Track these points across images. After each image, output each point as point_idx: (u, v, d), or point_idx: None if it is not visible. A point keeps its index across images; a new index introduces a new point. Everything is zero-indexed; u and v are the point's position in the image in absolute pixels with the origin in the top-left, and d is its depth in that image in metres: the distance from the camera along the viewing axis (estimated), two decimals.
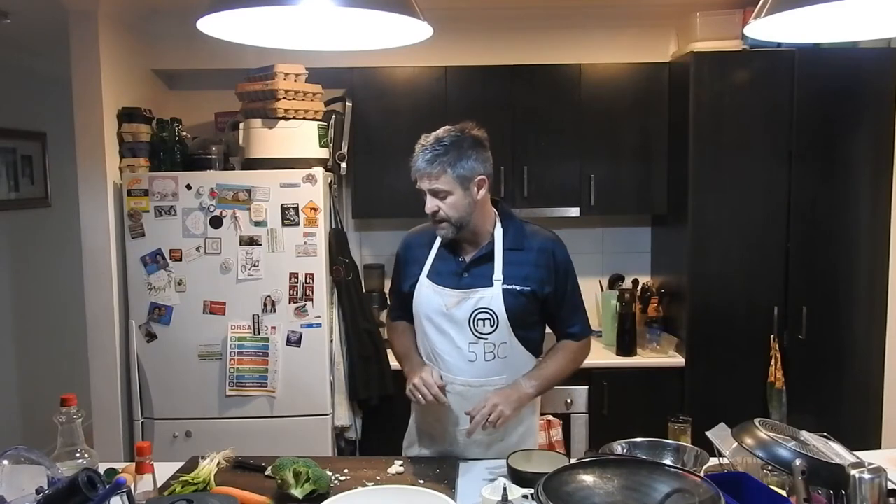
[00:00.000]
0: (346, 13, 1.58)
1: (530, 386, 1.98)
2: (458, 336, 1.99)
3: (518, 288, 1.97)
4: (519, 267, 1.99)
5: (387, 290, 3.60)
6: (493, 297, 1.96)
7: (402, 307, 2.19)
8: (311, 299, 3.07)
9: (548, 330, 2.14)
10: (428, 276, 2.04)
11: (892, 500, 1.47)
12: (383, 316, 3.54)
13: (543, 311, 2.06)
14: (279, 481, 1.75)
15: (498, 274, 1.98)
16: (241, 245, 3.07)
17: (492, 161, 1.99)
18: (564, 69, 3.43)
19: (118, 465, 1.86)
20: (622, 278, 3.72)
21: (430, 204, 1.94)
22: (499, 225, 2.03)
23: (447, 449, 2.07)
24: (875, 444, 3.25)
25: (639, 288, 3.59)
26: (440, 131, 1.95)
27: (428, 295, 2.02)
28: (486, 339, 1.98)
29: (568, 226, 3.68)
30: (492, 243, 2.01)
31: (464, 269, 2.01)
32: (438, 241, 2.06)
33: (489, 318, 1.97)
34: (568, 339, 2.11)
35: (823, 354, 3.24)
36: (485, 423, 1.88)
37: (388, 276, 3.64)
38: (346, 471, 1.91)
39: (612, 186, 3.47)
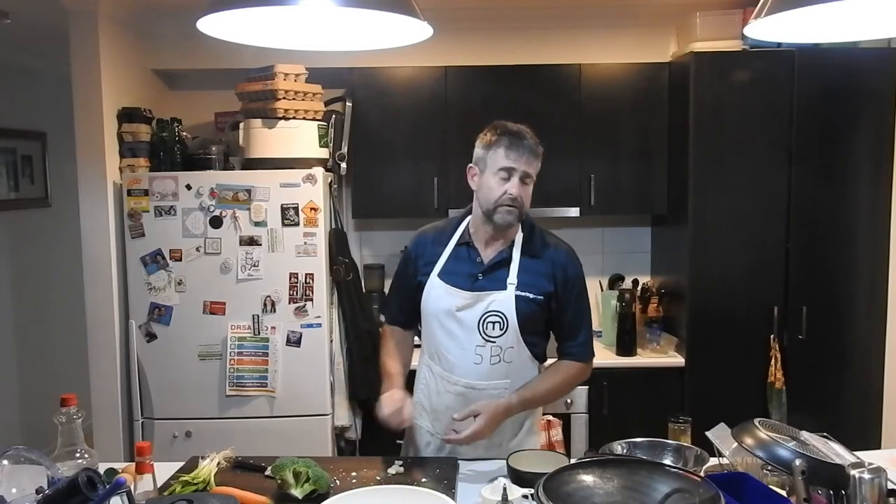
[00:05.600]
0: (346, 13, 1.58)
1: (516, 398, 1.94)
2: (466, 337, 1.99)
3: (531, 296, 1.98)
4: (534, 275, 2.00)
5: (387, 290, 3.61)
6: (504, 300, 1.97)
7: (403, 309, 2.18)
8: (311, 299, 3.07)
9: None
10: (439, 276, 2.03)
11: (892, 500, 1.47)
12: (383, 316, 3.54)
13: (550, 323, 2.07)
14: (279, 481, 1.75)
15: (512, 278, 1.98)
16: (241, 245, 3.07)
17: None
18: (564, 69, 3.43)
19: (118, 465, 1.86)
20: (622, 278, 3.72)
21: (519, 188, 1.94)
22: (520, 230, 2.04)
23: (444, 448, 2.07)
24: (875, 444, 3.24)
25: (639, 288, 3.59)
26: (523, 127, 1.98)
27: (438, 294, 2.02)
28: (494, 342, 1.98)
29: (568, 226, 3.67)
30: (511, 248, 2.02)
31: (481, 271, 2.00)
32: (454, 241, 2.06)
33: (499, 322, 1.97)
34: (566, 360, 2.06)
35: (823, 354, 3.24)
36: (459, 439, 1.86)
37: (388, 276, 3.65)
38: (345, 471, 1.91)
39: (612, 186, 3.46)
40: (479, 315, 1.97)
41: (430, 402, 2.09)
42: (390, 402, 1.97)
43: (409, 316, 2.18)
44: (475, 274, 2.01)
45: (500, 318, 1.97)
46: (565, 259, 2.05)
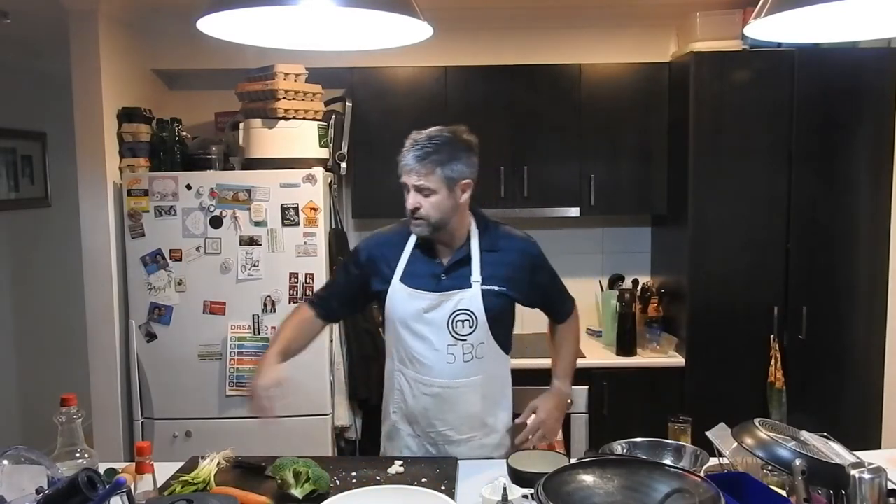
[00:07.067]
0: (346, 13, 1.58)
1: (566, 385, 2.11)
2: (437, 338, 1.98)
3: (496, 288, 1.99)
4: (496, 267, 2.00)
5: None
6: (471, 298, 1.97)
7: (330, 302, 2.13)
8: None
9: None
10: (402, 280, 2.01)
11: (892, 500, 1.47)
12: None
13: (530, 305, 2.12)
14: (279, 481, 1.75)
15: (476, 275, 1.98)
16: (241, 245, 3.07)
17: (477, 166, 1.99)
18: (564, 69, 3.43)
19: (118, 465, 1.86)
20: (622, 278, 3.72)
21: (413, 200, 1.93)
22: (474, 227, 2.04)
23: (426, 449, 2.07)
24: (875, 444, 3.24)
25: (639, 288, 3.59)
26: (432, 130, 1.95)
27: (403, 299, 2.00)
28: (465, 340, 1.98)
29: (568, 226, 3.68)
30: (468, 245, 2.01)
31: (443, 272, 2.00)
32: (411, 242, 2.03)
33: (468, 320, 1.97)
34: (562, 320, 2.18)
35: (823, 354, 3.24)
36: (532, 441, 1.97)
37: None
38: (345, 471, 1.91)
39: (612, 186, 3.46)
40: (448, 315, 1.97)
41: (407, 406, 2.07)
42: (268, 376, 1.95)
43: (333, 311, 2.16)
44: (438, 274, 2.00)
45: (469, 315, 1.97)
46: (524, 244, 2.07)
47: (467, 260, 2.00)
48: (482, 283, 1.98)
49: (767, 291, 3.22)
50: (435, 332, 1.98)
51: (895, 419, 3.27)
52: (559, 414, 2.07)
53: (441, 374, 2.00)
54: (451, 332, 1.97)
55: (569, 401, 3.24)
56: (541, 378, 3.18)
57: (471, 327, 1.97)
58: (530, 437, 2.01)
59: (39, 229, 4.62)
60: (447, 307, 1.97)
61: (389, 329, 2.08)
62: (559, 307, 2.19)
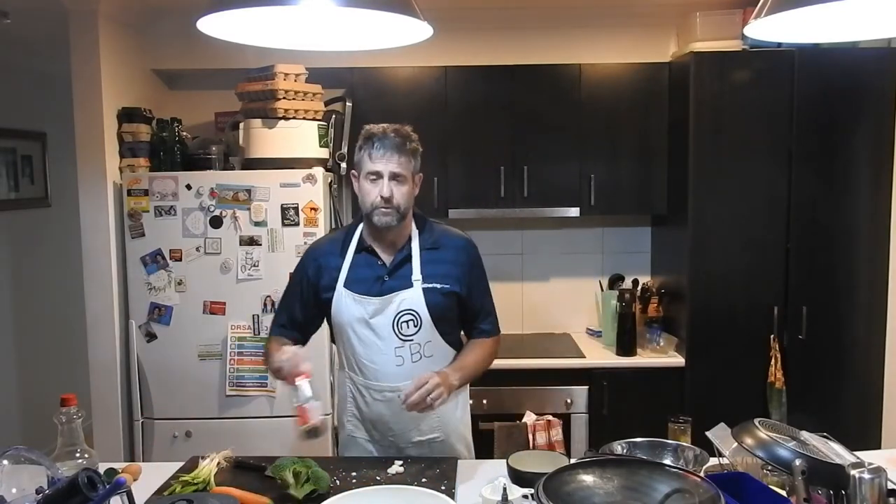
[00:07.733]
0: (346, 13, 1.58)
1: (456, 378, 1.94)
2: (383, 342, 1.98)
3: (438, 286, 1.99)
4: (437, 265, 2.01)
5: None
6: (414, 297, 1.97)
7: (292, 322, 2.10)
8: None
9: None
10: (345, 286, 2.00)
11: (892, 500, 1.47)
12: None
13: (458, 309, 2.08)
14: (279, 481, 1.75)
15: (416, 274, 1.99)
16: (241, 245, 3.07)
17: None
18: (564, 69, 3.43)
19: (118, 465, 1.86)
20: (622, 278, 3.72)
21: (388, 188, 1.92)
22: (414, 227, 2.06)
23: (386, 449, 2.06)
24: (875, 444, 3.24)
25: (639, 288, 3.59)
26: (391, 125, 1.97)
27: (347, 304, 1.99)
28: (412, 340, 1.98)
29: (568, 226, 3.68)
30: (409, 245, 2.02)
31: (387, 273, 2.00)
32: (352, 249, 2.03)
33: (412, 319, 1.97)
34: (482, 337, 2.12)
35: (823, 354, 3.24)
36: (422, 402, 1.83)
37: None
38: (345, 471, 1.91)
39: (612, 186, 3.46)
40: (392, 317, 1.97)
41: (362, 413, 2.07)
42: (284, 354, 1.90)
43: (300, 330, 2.12)
44: (381, 277, 2.00)
45: (413, 315, 1.97)
46: (465, 244, 2.08)
47: (408, 259, 2.01)
48: (423, 282, 1.98)
49: (767, 291, 3.22)
50: (381, 337, 1.98)
51: (895, 419, 3.27)
52: (441, 384, 1.86)
53: (390, 378, 1.99)
54: (396, 334, 1.97)
55: (568, 401, 3.25)
56: (540, 378, 3.20)
57: (415, 326, 1.97)
58: (418, 398, 1.85)
59: (39, 229, 4.62)
60: (391, 310, 1.97)
61: (337, 337, 2.08)
62: (482, 322, 2.11)
